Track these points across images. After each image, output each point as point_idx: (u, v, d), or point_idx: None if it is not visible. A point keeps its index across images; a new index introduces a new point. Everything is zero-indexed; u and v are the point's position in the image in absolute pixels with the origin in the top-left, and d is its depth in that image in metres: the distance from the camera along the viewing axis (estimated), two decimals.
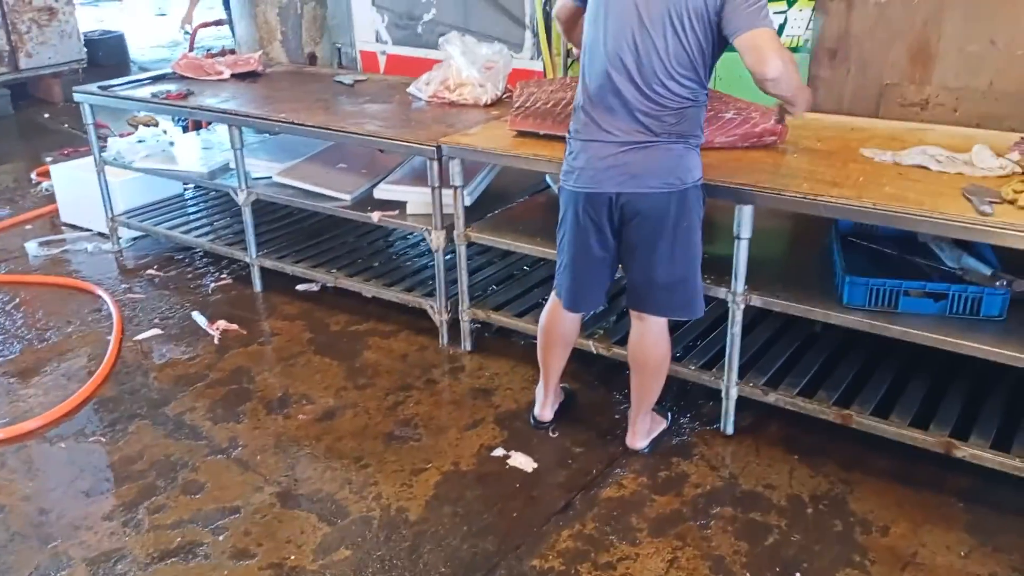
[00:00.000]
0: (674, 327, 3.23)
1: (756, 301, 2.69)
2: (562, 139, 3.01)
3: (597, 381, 3.23)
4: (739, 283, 2.67)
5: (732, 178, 2.60)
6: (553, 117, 3.08)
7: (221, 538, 2.51)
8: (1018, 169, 2.55)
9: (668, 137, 2.38)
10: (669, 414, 2.96)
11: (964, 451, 2.48)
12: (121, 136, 4.92)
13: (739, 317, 2.71)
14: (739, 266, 2.65)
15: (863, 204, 2.40)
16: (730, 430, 2.88)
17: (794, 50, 3.47)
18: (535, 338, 3.39)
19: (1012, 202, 2.33)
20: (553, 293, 2.77)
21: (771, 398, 2.78)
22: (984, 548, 2.38)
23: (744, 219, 2.58)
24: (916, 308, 2.52)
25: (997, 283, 2.47)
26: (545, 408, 2.95)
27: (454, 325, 3.52)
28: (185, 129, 5.23)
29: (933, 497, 2.58)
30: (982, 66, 3.23)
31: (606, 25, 2.38)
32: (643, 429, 2.82)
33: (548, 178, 3.75)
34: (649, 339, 2.64)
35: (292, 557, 2.43)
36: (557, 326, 2.80)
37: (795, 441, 2.85)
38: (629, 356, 2.73)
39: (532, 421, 2.97)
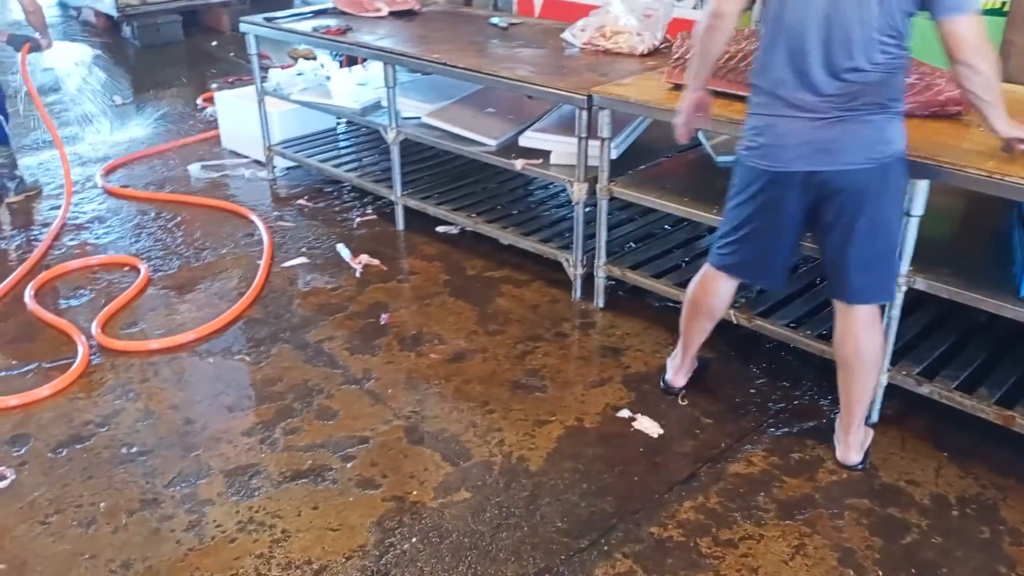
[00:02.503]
0: (819, 307, 3.07)
1: (920, 284, 2.49)
2: (723, 95, 2.88)
3: (733, 352, 3.11)
4: (903, 263, 2.48)
5: (909, 149, 2.39)
6: (715, 71, 2.92)
7: (349, 465, 2.59)
8: None
9: (867, 108, 2.15)
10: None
11: None
12: (282, 68, 5.07)
13: (899, 300, 2.53)
14: (906, 245, 2.46)
15: None
16: (875, 418, 2.71)
17: (990, 13, 3.15)
18: (671, 301, 3.32)
19: None
20: (707, 264, 2.60)
21: (925, 389, 2.59)
22: None
23: (917, 194, 2.38)
24: None
25: None
26: (678, 375, 2.87)
27: (588, 280, 3.46)
28: (341, 64, 5.34)
29: None
30: None
31: None
32: (857, 441, 2.54)
33: (701, 135, 3.60)
34: (855, 329, 2.38)
35: (414, 492, 2.48)
36: (708, 298, 2.64)
37: (945, 438, 2.66)
38: (835, 351, 2.47)
39: (662, 385, 2.90)
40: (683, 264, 3.42)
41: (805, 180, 2.23)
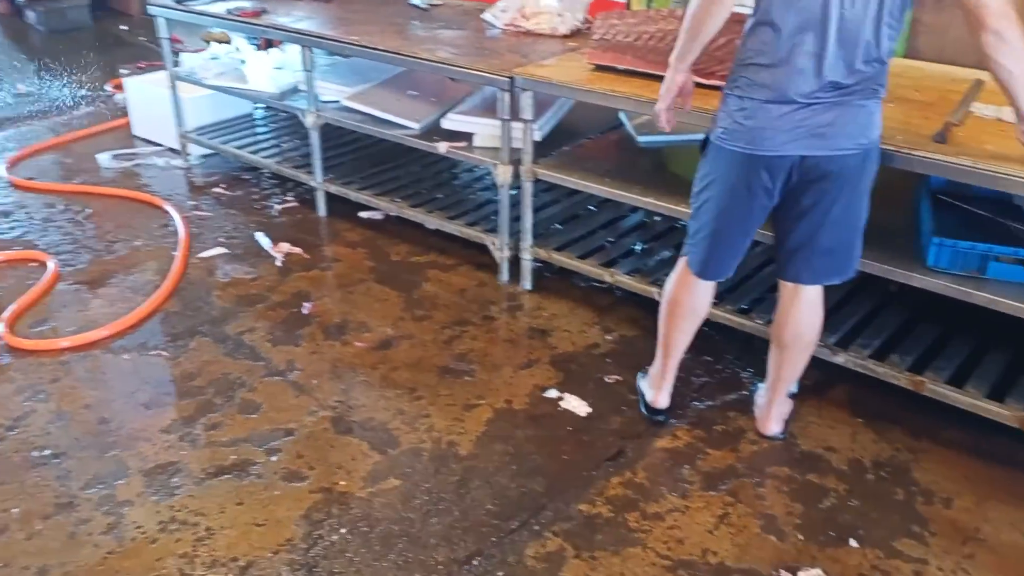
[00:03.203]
0: (740, 282, 3.13)
1: None
2: (643, 75, 2.90)
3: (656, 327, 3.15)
4: None
5: None
6: (634, 52, 2.95)
7: (274, 459, 2.54)
8: None
9: (863, 93, 2.11)
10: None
11: None
12: (195, 52, 4.91)
13: None
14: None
15: (961, 162, 2.24)
16: (794, 389, 2.78)
17: None
18: (596, 281, 3.34)
19: None
20: (682, 262, 2.49)
21: (840, 358, 2.67)
22: None
23: None
24: (1006, 275, 2.37)
25: None
26: (661, 393, 2.67)
27: (514, 262, 3.46)
28: (259, 47, 5.19)
29: (1003, 472, 2.46)
30: None
31: None
32: (779, 413, 2.60)
33: (622, 115, 3.62)
34: (805, 310, 2.39)
35: (342, 483, 2.44)
36: (690, 298, 2.49)
37: (861, 404, 2.74)
38: (775, 331, 2.48)
39: (644, 411, 2.71)
40: (607, 244, 3.45)
41: (794, 165, 2.16)
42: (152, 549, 2.22)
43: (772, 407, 2.60)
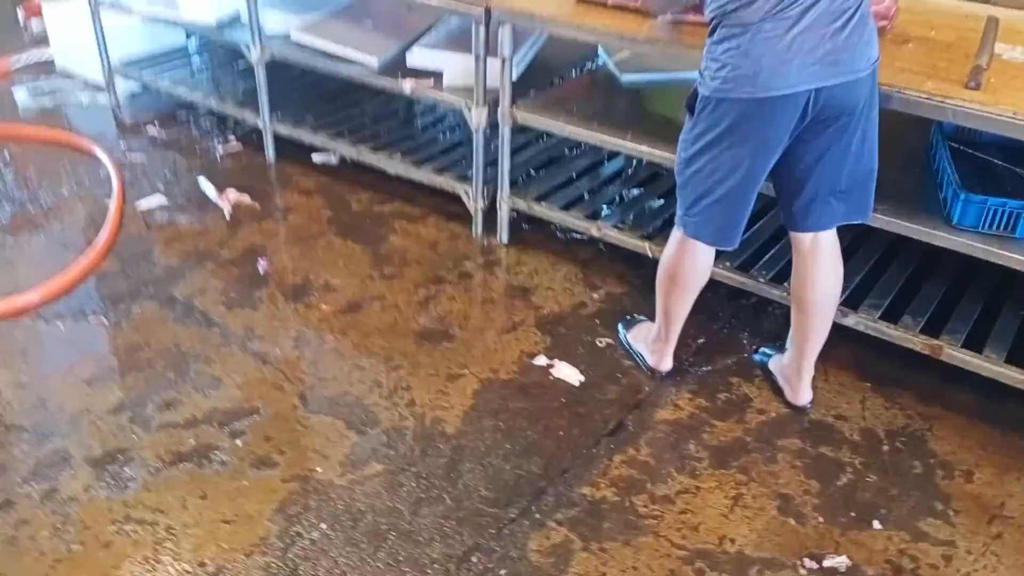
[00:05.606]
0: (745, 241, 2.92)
1: None
2: (631, 11, 2.63)
3: (646, 286, 2.93)
4: None
5: None
6: None
7: (239, 442, 2.27)
8: None
9: (859, 3, 1.89)
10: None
11: None
12: None
13: None
14: None
15: (1003, 113, 2.04)
16: None
17: None
18: (578, 233, 3.11)
19: None
20: (681, 234, 2.23)
21: (850, 320, 2.49)
22: None
23: None
24: None
25: None
26: (665, 358, 2.51)
27: (489, 213, 3.19)
28: None
29: (1020, 441, 2.35)
30: None
31: None
32: (810, 379, 2.40)
33: (602, 52, 3.34)
34: (829, 262, 2.19)
35: (318, 469, 2.20)
36: (694, 267, 2.29)
37: (867, 366, 2.59)
38: (797, 294, 2.26)
39: (648, 373, 2.54)
40: (586, 196, 3.19)
41: (808, 101, 1.92)
42: (106, 554, 1.96)
43: (803, 375, 2.39)
